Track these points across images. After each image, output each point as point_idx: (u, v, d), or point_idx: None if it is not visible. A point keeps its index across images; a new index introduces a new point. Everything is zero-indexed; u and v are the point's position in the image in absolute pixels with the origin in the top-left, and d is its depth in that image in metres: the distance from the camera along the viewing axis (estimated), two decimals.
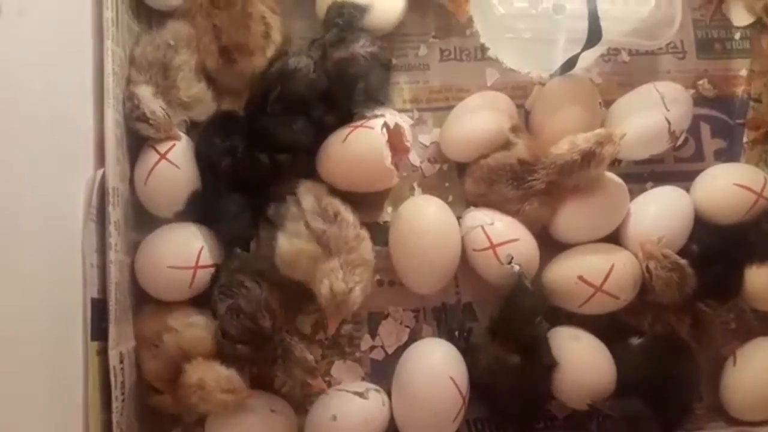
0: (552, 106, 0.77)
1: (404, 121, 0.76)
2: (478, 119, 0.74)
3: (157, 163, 0.71)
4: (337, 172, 0.73)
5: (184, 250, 0.69)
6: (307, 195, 0.70)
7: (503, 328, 0.71)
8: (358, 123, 0.73)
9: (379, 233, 0.74)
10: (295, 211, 0.69)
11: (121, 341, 0.65)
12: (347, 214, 0.69)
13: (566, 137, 0.71)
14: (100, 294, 0.64)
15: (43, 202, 0.57)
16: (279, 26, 0.76)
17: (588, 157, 0.69)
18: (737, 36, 0.84)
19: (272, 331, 0.68)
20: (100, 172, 0.66)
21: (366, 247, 0.69)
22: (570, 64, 0.75)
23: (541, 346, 0.70)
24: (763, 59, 0.83)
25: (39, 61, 0.58)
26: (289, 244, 0.68)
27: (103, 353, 0.64)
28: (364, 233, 0.70)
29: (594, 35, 0.71)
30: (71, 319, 0.61)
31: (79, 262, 0.62)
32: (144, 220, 0.72)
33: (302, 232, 0.68)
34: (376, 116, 0.73)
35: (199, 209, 0.72)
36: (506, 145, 0.74)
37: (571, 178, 0.71)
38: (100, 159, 0.66)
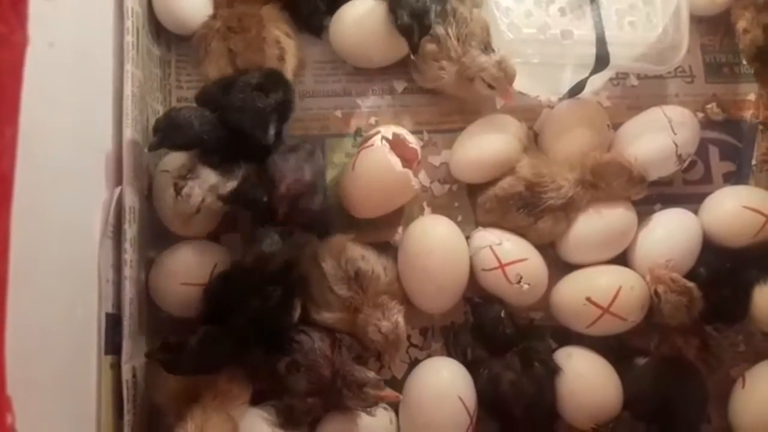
0: (560, 128, 0.78)
1: (402, 129, 0.76)
2: (488, 141, 0.75)
3: None
4: (360, 201, 0.74)
5: (198, 267, 0.70)
6: (326, 258, 0.70)
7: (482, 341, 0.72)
8: (360, 147, 0.74)
9: (391, 253, 0.75)
10: (317, 273, 0.70)
11: (134, 356, 0.67)
12: (367, 263, 0.70)
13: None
14: (114, 309, 0.66)
15: (63, 219, 0.59)
16: (294, 50, 0.78)
17: (636, 179, 0.72)
18: (745, 60, 0.84)
19: (333, 376, 0.68)
20: (117, 190, 0.67)
21: (390, 277, 0.71)
22: (578, 88, 0.77)
23: (538, 354, 0.71)
24: None
25: (66, 85, 0.60)
26: (321, 318, 0.69)
27: (116, 367, 0.65)
28: (382, 266, 0.71)
29: (602, 60, 0.73)
30: (86, 332, 0.63)
31: (95, 277, 0.64)
32: (160, 237, 0.74)
33: (331, 301, 0.69)
34: (371, 135, 0.74)
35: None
36: (513, 170, 0.75)
37: (614, 182, 0.72)
38: (118, 178, 0.68)
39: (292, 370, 0.67)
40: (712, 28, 0.86)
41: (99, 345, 0.63)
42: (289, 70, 0.77)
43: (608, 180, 0.73)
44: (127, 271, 0.67)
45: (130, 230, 0.67)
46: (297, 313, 0.68)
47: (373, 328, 0.67)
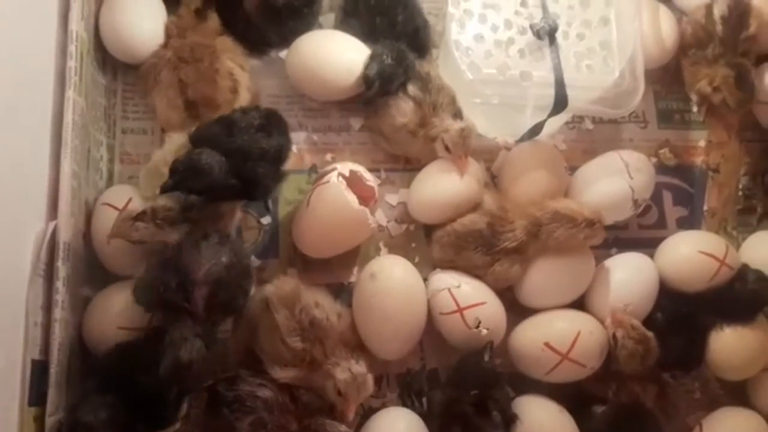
0: (518, 170, 0.77)
1: (359, 167, 0.74)
2: (447, 181, 0.74)
3: None
4: (314, 239, 0.72)
5: (137, 310, 0.65)
6: (279, 308, 0.66)
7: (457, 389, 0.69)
8: (315, 184, 0.72)
9: (345, 295, 0.72)
10: (268, 323, 0.66)
11: (60, 408, 0.61)
12: (321, 311, 0.67)
13: (559, 200, 0.73)
14: (42, 355, 0.60)
15: None
16: (247, 83, 0.76)
17: (587, 225, 0.71)
18: (695, 108, 0.86)
19: (300, 429, 0.64)
20: (52, 224, 0.63)
21: (345, 324, 0.68)
22: (536, 130, 0.76)
23: (496, 402, 0.68)
24: (718, 131, 0.86)
25: (1, 109, 0.57)
26: (274, 372, 0.65)
27: (40, 420, 0.59)
28: (336, 312, 0.68)
29: (560, 102, 0.73)
30: (8, 381, 0.57)
31: (21, 319, 0.58)
32: (96, 276, 0.69)
33: (283, 354, 0.65)
34: (327, 171, 0.72)
35: None
36: (474, 208, 0.74)
37: (560, 232, 0.71)
38: (53, 211, 0.64)
39: (258, 428, 0.62)
40: (662, 75, 0.88)
41: (22, 395, 0.58)
42: (242, 102, 0.75)
43: (559, 227, 0.72)
44: (58, 313, 0.61)
45: (63, 268, 0.63)
46: (182, 413, 0.62)
47: (333, 383, 0.64)
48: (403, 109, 0.75)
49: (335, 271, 0.75)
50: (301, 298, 0.67)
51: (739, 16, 0.80)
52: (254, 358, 0.67)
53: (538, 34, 0.75)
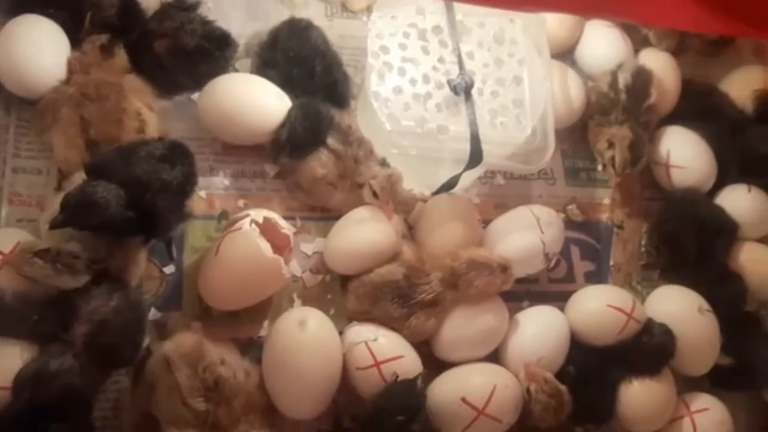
0: (435, 222, 0.77)
1: (273, 213, 0.72)
2: (364, 231, 0.73)
3: None
4: (222, 290, 0.68)
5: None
6: (181, 367, 0.61)
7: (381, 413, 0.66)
8: (225, 231, 0.69)
9: (255, 350, 0.68)
10: (167, 383, 0.60)
11: None
12: (228, 369, 0.62)
13: (471, 249, 0.73)
14: None
15: None
16: (156, 124, 0.72)
17: (501, 269, 0.71)
18: (599, 167, 0.90)
19: None
20: None
21: (253, 383, 0.64)
22: (452, 183, 0.77)
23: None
24: (622, 190, 0.90)
25: None
26: None
27: None
28: (244, 370, 0.64)
29: (475, 157, 0.74)
30: None
31: None
32: None
33: (183, 416, 0.60)
34: (239, 218, 0.69)
35: None
36: (392, 259, 0.72)
37: (478, 281, 0.71)
38: None
39: None
40: (569, 135, 0.91)
41: None
42: None
43: (477, 275, 0.72)
44: None
45: None
46: None
47: None
48: (323, 162, 0.73)
49: (244, 325, 0.71)
50: (205, 355, 0.62)
51: (641, 84, 0.85)
52: (152, 422, 0.61)
53: (454, 90, 0.76)
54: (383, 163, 0.75)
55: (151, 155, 0.63)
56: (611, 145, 0.84)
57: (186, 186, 0.65)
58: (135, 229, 0.62)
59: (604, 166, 0.88)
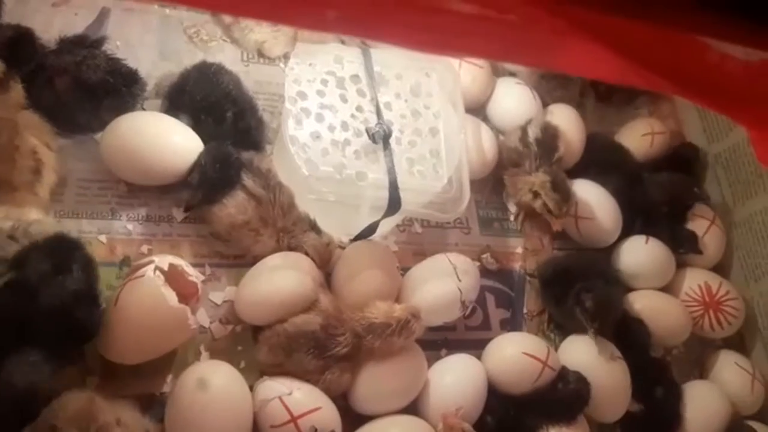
0: (353, 269, 0.76)
1: (180, 260, 0.68)
2: (279, 279, 0.70)
3: None
4: (122, 342, 0.63)
5: None
6: (67, 429, 0.55)
7: None
8: (127, 279, 0.65)
9: (157, 408, 0.63)
10: None
11: None
12: (125, 430, 0.57)
13: (376, 301, 0.70)
14: None
15: None
16: (54, 164, 0.67)
17: (402, 326, 0.69)
18: (512, 217, 0.92)
19: None
20: None
21: None
22: (370, 230, 0.76)
23: None
24: (533, 239, 0.93)
25: None
26: None
27: None
28: (144, 429, 0.60)
29: (394, 204, 0.73)
30: None
31: None
32: None
33: None
34: (142, 264, 0.65)
35: None
36: (308, 308, 0.70)
37: (379, 341, 0.69)
38: None
39: None
40: (483, 186, 0.93)
41: None
42: (45, 185, 0.66)
43: (376, 338, 0.70)
44: None
45: None
46: None
47: None
48: (241, 206, 0.71)
49: (146, 380, 0.65)
50: (97, 417, 0.56)
51: (550, 138, 0.89)
52: None
53: (373, 138, 0.76)
54: (315, 227, 0.75)
55: (45, 274, 0.59)
56: (536, 195, 0.87)
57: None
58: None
59: (517, 216, 0.90)
